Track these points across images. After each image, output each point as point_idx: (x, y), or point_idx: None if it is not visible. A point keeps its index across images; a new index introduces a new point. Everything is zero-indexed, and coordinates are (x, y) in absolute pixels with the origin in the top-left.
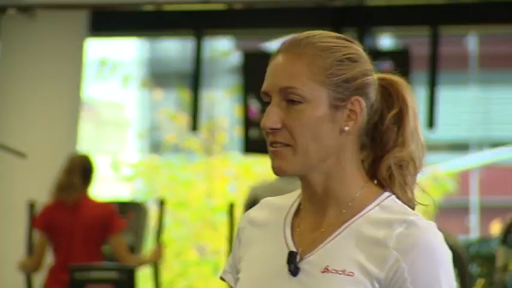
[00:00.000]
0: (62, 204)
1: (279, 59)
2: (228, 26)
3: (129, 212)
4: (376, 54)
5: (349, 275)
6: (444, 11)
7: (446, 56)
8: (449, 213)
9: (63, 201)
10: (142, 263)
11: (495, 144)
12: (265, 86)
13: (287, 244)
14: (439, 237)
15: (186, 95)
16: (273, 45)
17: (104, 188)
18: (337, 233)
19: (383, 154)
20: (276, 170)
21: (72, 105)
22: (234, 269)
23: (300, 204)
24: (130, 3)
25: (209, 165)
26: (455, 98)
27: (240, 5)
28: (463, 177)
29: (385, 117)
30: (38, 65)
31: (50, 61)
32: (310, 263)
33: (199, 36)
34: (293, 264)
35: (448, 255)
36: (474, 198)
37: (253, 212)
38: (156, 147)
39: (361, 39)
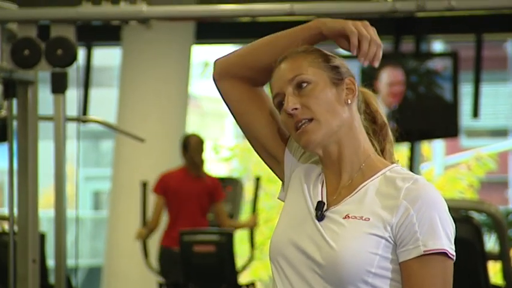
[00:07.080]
0: (178, 174)
1: (281, 66)
2: None
3: (228, 186)
4: (430, 57)
5: (365, 220)
6: (487, 20)
7: (488, 58)
8: (490, 187)
9: (187, 172)
10: (238, 227)
11: None
12: (275, 90)
13: (316, 196)
14: (437, 191)
15: None
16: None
17: (207, 167)
18: (356, 191)
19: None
20: (304, 144)
21: (180, 99)
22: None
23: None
24: (228, 15)
25: None
26: (495, 92)
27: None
28: (502, 158)
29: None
30: (153, 67)
31: (162, 63)
32: (334, 212)
33: None
34: (320, 211)
35: (444, 204)
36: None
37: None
38: None
39: (417, 44)
